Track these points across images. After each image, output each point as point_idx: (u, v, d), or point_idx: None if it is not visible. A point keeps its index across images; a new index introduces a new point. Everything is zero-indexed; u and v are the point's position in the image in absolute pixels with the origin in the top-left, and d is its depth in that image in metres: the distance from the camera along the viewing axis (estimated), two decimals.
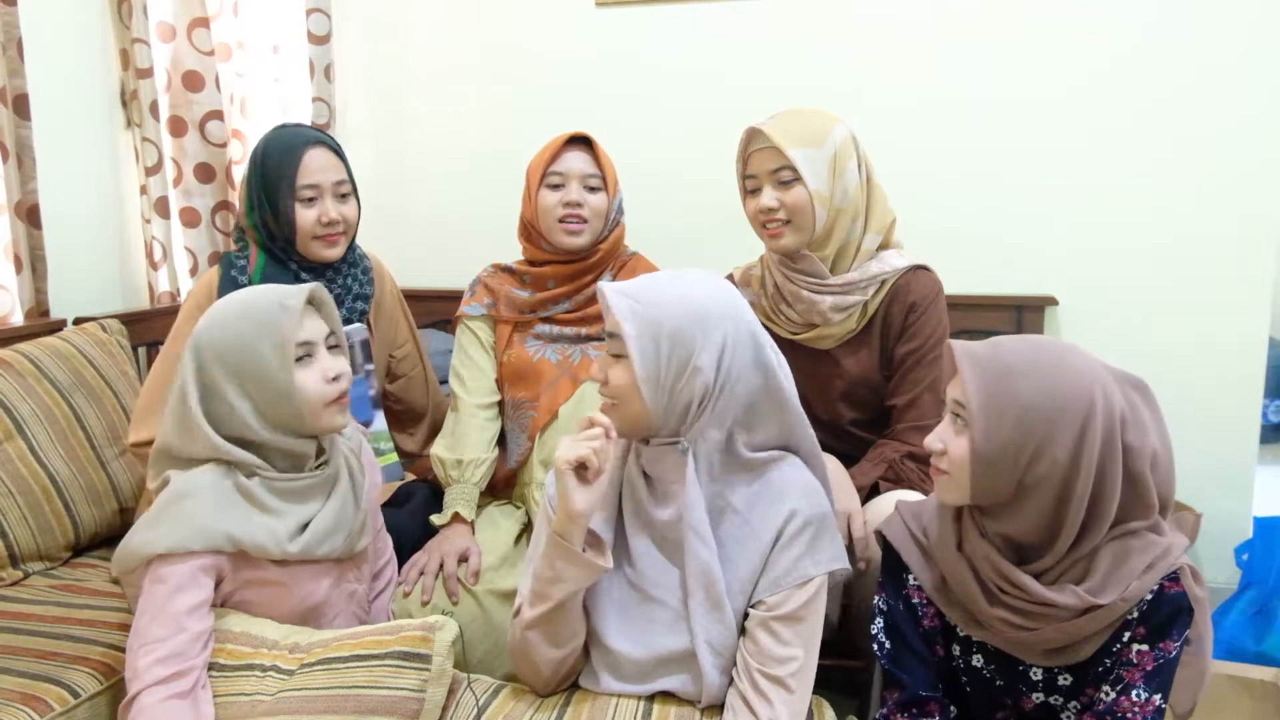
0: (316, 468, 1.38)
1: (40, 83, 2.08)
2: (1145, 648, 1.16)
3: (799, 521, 1.24)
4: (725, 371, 1.23)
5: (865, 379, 1.69)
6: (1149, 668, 1.15)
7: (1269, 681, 1.76)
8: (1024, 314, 2.36)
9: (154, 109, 2.33)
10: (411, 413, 1.96)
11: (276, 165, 1.69)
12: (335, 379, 1.32)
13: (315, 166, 1.70)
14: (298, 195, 1.68)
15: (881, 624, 1.30)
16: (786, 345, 1.72)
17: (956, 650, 1.29)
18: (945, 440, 1.17)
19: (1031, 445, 1.12)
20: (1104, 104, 2.33)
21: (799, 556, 1.24)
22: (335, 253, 1.74)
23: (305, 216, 1.69)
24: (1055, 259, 2.40)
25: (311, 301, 1.34)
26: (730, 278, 1.83)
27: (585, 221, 1.73)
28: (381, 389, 1.91)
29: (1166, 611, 1.15)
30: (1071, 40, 2.33)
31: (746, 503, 1.27)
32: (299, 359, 1.30)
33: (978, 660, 1.27)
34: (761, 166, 1.62)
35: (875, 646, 1.29)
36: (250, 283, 1.68)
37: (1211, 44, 2.25)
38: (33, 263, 2.08)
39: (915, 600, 1.28)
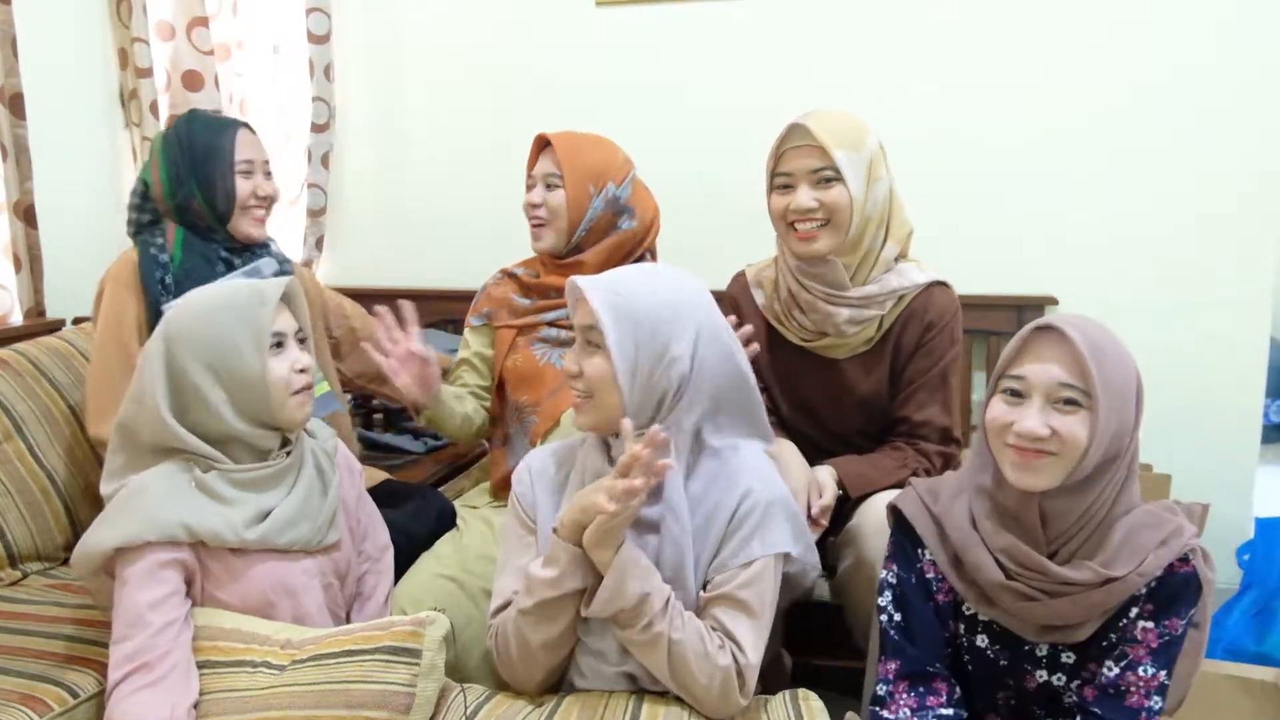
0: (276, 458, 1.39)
1: (37, 81, 2.07)
2: (1150, 624, 1.16)
3: (750, 503, 1.26)
4: (699, 361, 1.25)
5: (876, 393, 1.68)
6: (1154, 645, 1.16)
7: (1269, 682, 1.76)
8: (1024, 314, 2.36)
9: (154, 108, 2.33)
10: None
11: (211, 144, 1.74)
12: (303, 370, 1.36)
13: (248, 144, 1.78)
14: (236, 169, 1.74)
15: (890, 597, 1.30)
16: (796, 352, 1.70)
17: (961, 629, 1.29)
18: (1054, 425, 1.13)
19: (1120, 421, 1.14)
20: (1103, 103, 2.33)
21: (746, 538, 1.25)
22: (261, 232, 1.81)
23: (243, 187, 1.75)
24: (1055, 258, 2.40)
25: (283, 297, 1.38)
26: (741, 275, 1.82)
27: (545, 223, 1.74)
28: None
29: (1175, 589, 1.15)
30: (1071, 40, 2.33)
31: (705, 487, 1.28)
32: (271, 347, 1.33)
33: (982, 640, 1.27)
34: (800, 165, 1.57)
35: (884, 619, 1.29)
36: (171, 260, 1.73)
37: (1212, 41, 2.25)
38: (30, 262, 2.08)
39: (930, 575, 1.28)
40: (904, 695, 1.26)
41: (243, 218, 1.77)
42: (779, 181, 1.61)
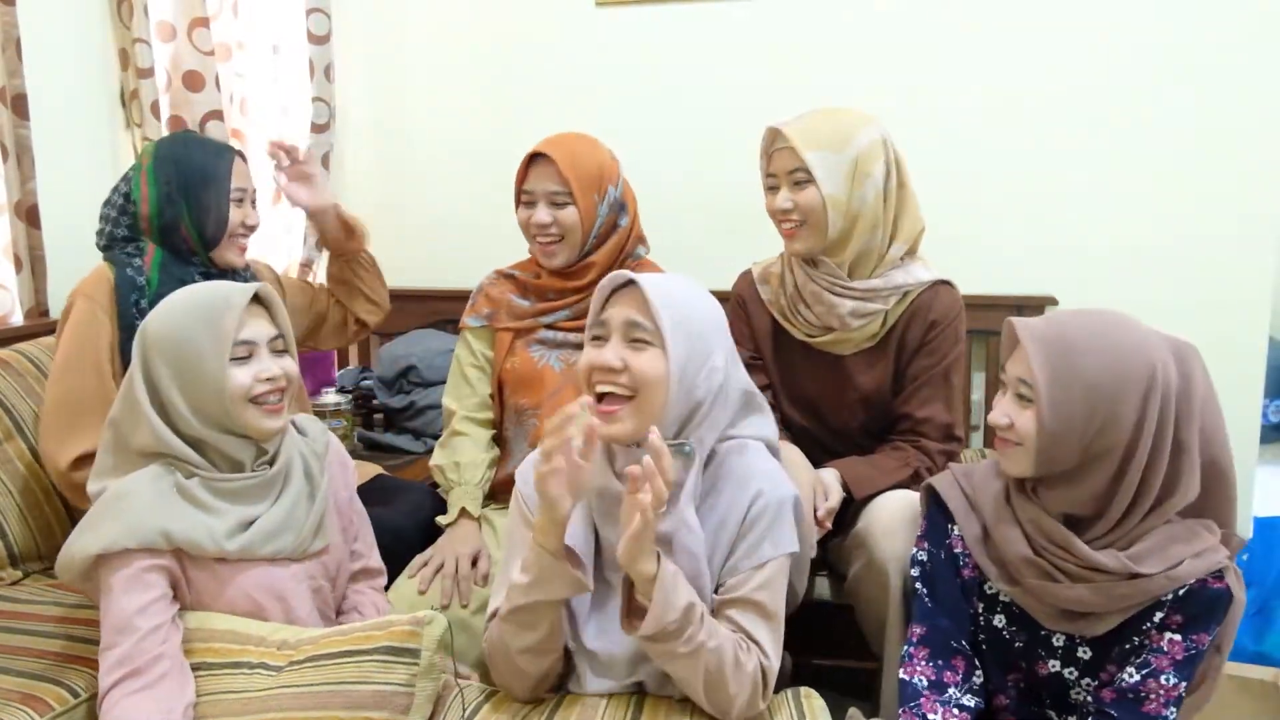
0: (260, 468, 1.37)
1: (39, 83, 2.07)
2: (1178, 637, 1.18)
3: (761, 504, 1.26)
4: (727, 373, 1.26)
5: (879, 390, 1.68)
6: (1179, 657, 1.18)
7: (1269, 681, 1.77)
8: (1023, 314, 2.35)
9: (155, 109, 2.33)
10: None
11: (207, 167, 1.73)
12: (269, 379, 1.32)
13: (242, 172, 1.78)
14: (230, 196, 1.74)
15: (919, 573, 1.34)
16: (801, 349, 1.71)
17: (980, 607, 1.32)
18: (1011, 415, 1.21)
19: (1097, 420, 1.15)
20: (1103, 103, 2.33)
21: (758, 539, 1.25)
22: (242, 260, 1.81)
23: (235, 215, 1.75)
24: (1055, 259, 2.40)
25: (261, 302, 1.35)
26: (748, 273, 1.82)
27: (559, 240, 1.72)
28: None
29: (1207, 603, 1.17)
30: (1071, 40, 2.33)
31: (715, 489, 1.28)
32: (239, 358, 1.30)
33: (999, 620, 1.30)
34: (780, 166, 1.61)
35: (914, 589, 1.34)
36: (148, 281, 1.69)
37: (1212, 43, 2.25)
38: (32, 263, 2.08)
39: (958, 550, 1.32)
40: (922, 663, 1.30)
41: (229, 246, 1.76)
42: (768, 183, 1.66)
